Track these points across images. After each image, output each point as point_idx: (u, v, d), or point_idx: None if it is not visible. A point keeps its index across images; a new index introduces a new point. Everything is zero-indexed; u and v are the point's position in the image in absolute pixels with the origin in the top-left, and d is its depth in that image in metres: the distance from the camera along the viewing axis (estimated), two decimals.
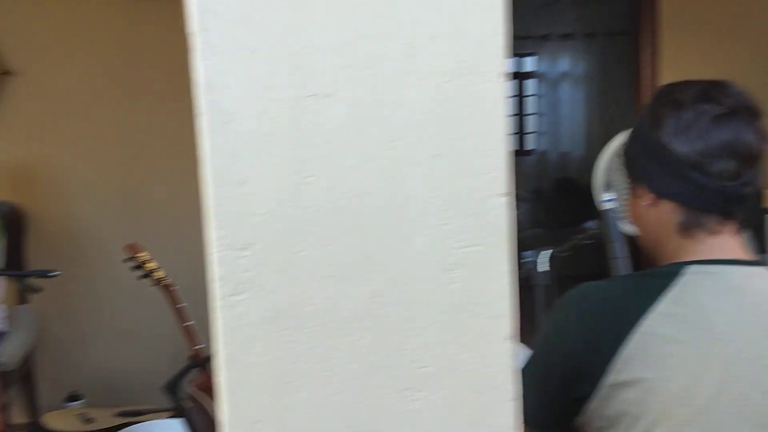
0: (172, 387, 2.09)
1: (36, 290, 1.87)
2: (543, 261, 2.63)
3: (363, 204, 0.60)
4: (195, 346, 2.12)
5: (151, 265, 2.06)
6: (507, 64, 0.61)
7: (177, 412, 2.11)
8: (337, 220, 0.60)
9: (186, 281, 2.15)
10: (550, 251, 2.65)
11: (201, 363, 2.12)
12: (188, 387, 2.15)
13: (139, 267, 2.05)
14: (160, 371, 3.13)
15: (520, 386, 0.63)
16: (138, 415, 2.69)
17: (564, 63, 5.31)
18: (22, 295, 3.00)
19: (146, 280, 2.10)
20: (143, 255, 2.06)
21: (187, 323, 2.11)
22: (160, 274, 2.08)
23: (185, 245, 3.02)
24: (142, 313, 3.07)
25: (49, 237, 3.03)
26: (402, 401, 0.62)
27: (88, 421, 2.60)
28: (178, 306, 2.10)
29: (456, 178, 0.61)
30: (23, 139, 2.99)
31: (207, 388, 2.16)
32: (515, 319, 0.63)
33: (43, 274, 1.68)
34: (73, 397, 2.87)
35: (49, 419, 2.61)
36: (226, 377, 0.60)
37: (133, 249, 2.06)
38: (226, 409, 0.60)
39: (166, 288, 2.09)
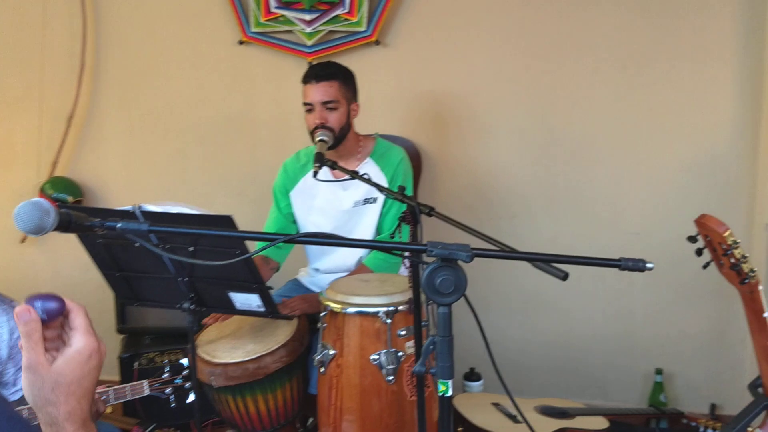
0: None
1: (563, 276, 1.30)
2: None
3: None
4: None
5: (739, 252, 1.40)
6: None
7: None
8: None
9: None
10: None
11: None
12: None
13: (723, 252, 1.40)
14: (572, 358, 2.52)
15: None
16: (565, 416, 2.14)
17: None
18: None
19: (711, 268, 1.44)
20: (729, 236, 1.39)
21: None
22: (749, 265, 1.41)
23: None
24: (557, 284, 2.49)
25: (446, 182, 2.52)
26: None
27: (510, 417, 2.08)
28: (762, 315, 1.43)
29: None
30: (421, 61, 2.47)
31: None
32: None
33: (639, 266, 1.04)
34: (471, 375, 2.40)
35: (462, 404, 2.13)
36: None
37: (710, 224, 1.40)
38: None
39: (752, 288, 1.42)
